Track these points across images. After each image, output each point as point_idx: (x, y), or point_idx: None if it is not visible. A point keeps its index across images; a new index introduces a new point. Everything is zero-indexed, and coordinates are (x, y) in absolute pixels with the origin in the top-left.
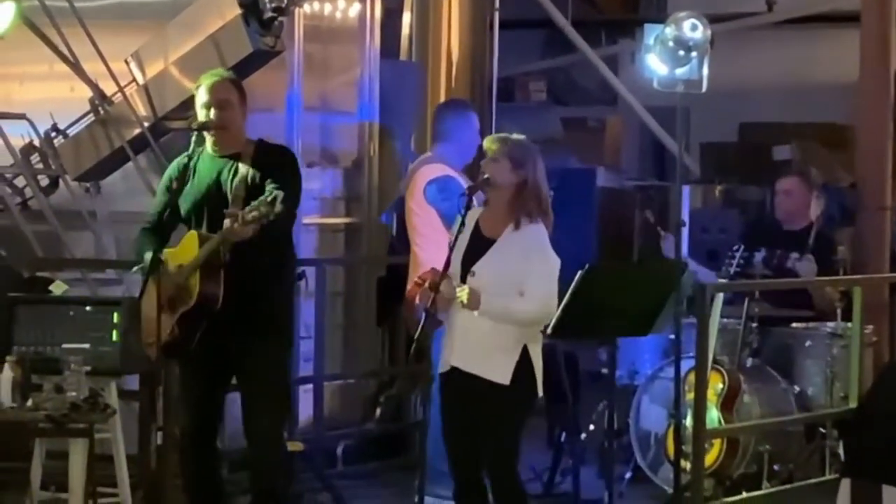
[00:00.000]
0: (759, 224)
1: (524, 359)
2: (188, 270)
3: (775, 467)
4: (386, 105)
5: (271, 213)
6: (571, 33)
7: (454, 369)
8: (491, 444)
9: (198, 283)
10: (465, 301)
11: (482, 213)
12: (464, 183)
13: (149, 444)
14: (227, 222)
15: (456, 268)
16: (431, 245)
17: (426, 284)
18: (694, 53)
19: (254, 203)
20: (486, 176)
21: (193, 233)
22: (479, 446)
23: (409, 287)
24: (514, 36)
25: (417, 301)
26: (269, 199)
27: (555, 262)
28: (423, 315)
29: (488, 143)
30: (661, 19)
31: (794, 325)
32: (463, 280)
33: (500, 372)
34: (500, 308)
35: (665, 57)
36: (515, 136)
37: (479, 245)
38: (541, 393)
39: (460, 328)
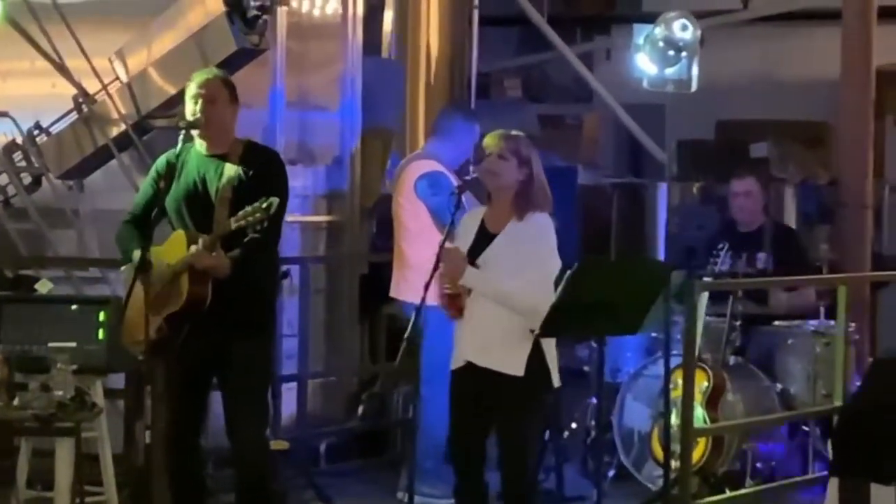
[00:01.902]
0: (724, 225)
1: (536, 350)
2: (176, 270)
3: (758, 465)
4: (368, 102)
5: (265, 219)
6: (547, 30)
7: (468, 364)
8: (505, 438)
9: (186, 285)
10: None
11: (487, 210)
12: (454, 180)
13: (135, 442)
14: (217, 226)
15: None
16: (417, 240)
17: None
18: (684, 53)
19: (247, 209)
20: (474, 175)
21: (181, 232)
22: (485, 443)
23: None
24: (488, 33)
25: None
26: (263, 205)
27: (552, 250)
28: (414, 314)
29: (493, 141)
30: (636, 17)
31: (776, 323)
32: None
33: (514, 364)
34: (485, 283)
35: (654, 57)
36: (515, 132)
37: (483, 241)
38: (557, 384)
39: (471, 323)
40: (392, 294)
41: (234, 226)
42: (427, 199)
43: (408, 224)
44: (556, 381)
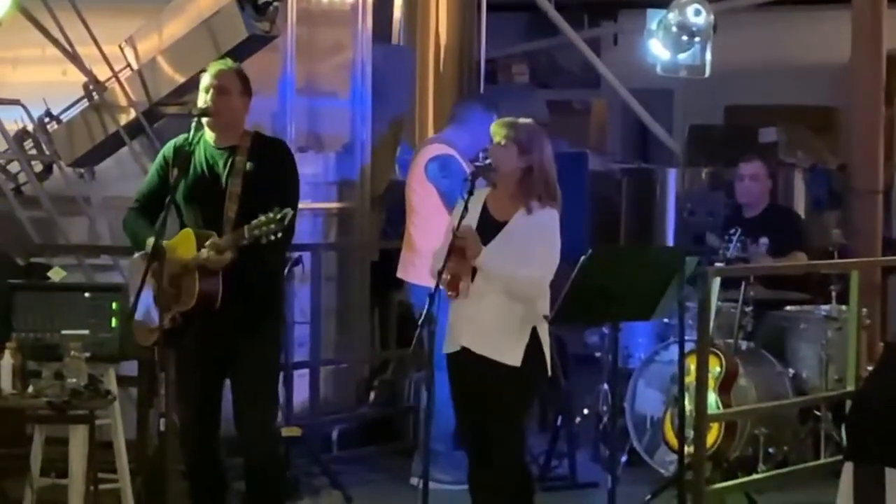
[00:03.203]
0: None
1: (534, 341)
2: (186, 270)
3: (770, 450)
4: (378, 89)
5: (280, 230)
6: (555, 16)
7: (464, 350)
8: (498, 424)
9: (197, 284)
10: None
11: (489, 194)
12: (465, 167)
13: (148, 429)
14: (230, 235)
15: None
16: (424, 223)
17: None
18: (697, 38)
19: (262, 218)
20: (487, 161)
21: (189, 231)
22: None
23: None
24: (496, 18)
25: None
26: (278, 216)
27: (556, 249)
28: (428, 300)
29: (496, 128)
30: (643, 1)
31: (788, 308)
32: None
33: (512, 354)
34: (500, 268)
35: (668, 42)
36: (522, 120)
37: (488, 227)
38: (549, 374)
39: (470, 310)
40: (399, 274)
41: (247, 235)
42: (437, 181)
43: (417, 207)
44: (549, 372)
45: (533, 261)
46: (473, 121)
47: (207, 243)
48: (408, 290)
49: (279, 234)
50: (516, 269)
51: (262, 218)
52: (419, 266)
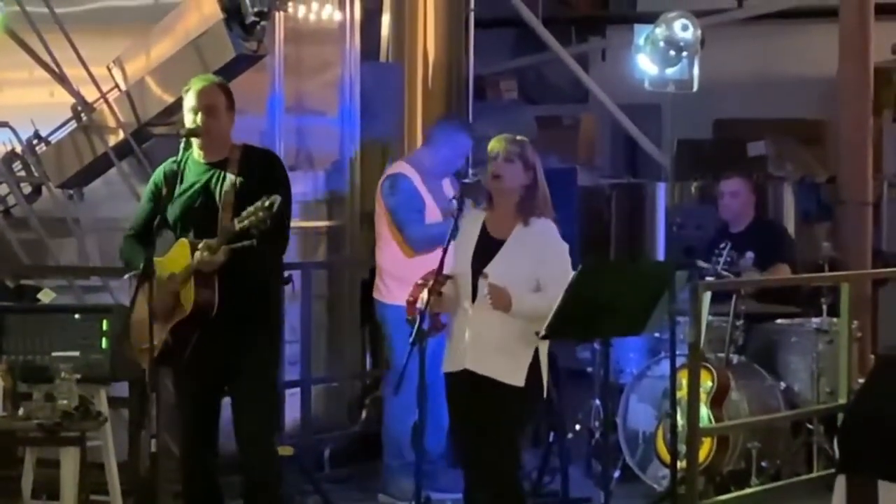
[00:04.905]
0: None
1: (534, 361)
2: (181, 278)
3: (763, 464)
4: (367, 106)
5: (268, 217)
6: (542, 32)
7: (466, 370)
8: (494, 443)
9: (192, 292)
10: (493, 303)
11: (488, 214)
12: (419, 186)
13: (139, 451)
14: (220, 232)
15: (465, 270)
16: (381, 241)
17: (425, 287)
18: (684, 53)
19: (250, 209)
20: (477, 179)
21: (184, 241)
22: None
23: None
24: (484, 35)
25: (414, 301)
26: (265, 203)
27: (566, 250)
28: (418, 318)
29: (498, 144)
30: (631, 17)
31: (779, 321)
32: (474, 283)
33: (515, 374)
34: (531, 307)
35: (655, 57)
36: (520, 137)
37: (488, 246)
38: (546, 395)
39: (472, 330)
40: (373, 292)
41: (237, 227)
42: (386, 198)
43: (377, 227)
44: (545, 392)
45: (549, 282)
46: (442, 140)
47: (200, 245)
48: (379, 307)
49: (268, 223)
50: (539, 303)
51: (250, 208)
52: (378, 283)
